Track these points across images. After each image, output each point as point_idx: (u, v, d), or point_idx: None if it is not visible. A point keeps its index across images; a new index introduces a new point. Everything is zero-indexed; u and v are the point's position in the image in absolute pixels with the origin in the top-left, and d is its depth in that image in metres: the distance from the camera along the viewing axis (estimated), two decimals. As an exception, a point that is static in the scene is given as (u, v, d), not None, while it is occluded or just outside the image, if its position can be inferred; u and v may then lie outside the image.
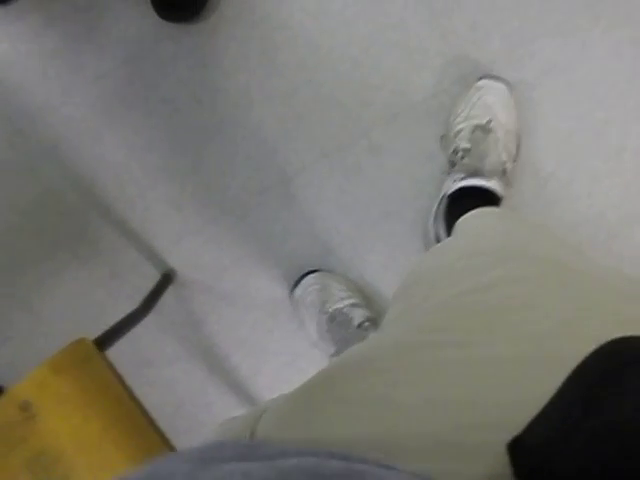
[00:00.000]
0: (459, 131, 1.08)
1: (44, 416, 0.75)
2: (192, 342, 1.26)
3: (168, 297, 1.22)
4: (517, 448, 0.29)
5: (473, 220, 0.83)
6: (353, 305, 1.13)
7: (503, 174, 1.06)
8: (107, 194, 1.22)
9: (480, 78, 1.11)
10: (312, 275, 1.18)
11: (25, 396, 0.75)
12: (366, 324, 1.10)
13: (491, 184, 1.02)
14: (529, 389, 0.34)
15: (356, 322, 1.10)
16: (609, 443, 0.25)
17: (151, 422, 0.80)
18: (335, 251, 1.21)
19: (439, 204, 1.11)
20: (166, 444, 0.80)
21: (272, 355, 1.26)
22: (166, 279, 1.19)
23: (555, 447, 0.27)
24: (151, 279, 1.21)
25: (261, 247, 1.22)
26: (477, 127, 1.06)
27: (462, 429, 0.34)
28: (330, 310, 1.13)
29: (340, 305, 1.13)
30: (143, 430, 0.80)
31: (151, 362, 1.27)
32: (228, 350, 1.27)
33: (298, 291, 1.18)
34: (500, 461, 0.31)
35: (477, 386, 0.36)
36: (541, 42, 1.14)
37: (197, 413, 1.29)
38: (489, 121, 1.07)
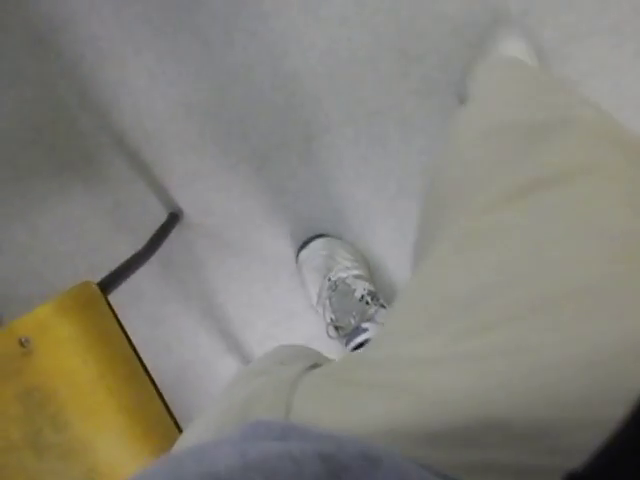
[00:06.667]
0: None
1: (42, 354, 0.75)
2: (190, 285, 1.26)
3: (172, 237, 1.20)
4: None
5: (485, 75, 0.70)
6: (357, 277, 1.12)
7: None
8: (123, 121, 1.18)
9: (526, 67, 1.07)
10: (321, 240, 1.16)
11: (25, 332, 0.74)
12: (367, 298, 1.10)
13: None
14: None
15: (358, 294, 1.10)
16: None
17: (147, 372, 0.81)
18: (347, 219, 1.19)
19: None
20: (160, 396, 0.80)
21: (267, 310, 1.26)
22: (173, 219, 1.17)
23: None
24: (156, 215, 1.19)
25: (273, 202, 1.20)
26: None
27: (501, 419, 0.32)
28: (334, 278, 1.12)
29: (344, 274, 1.12)
30: (139, 379, 0.80)
31: (146, 297, 1.27)
32: (224, 298, 1.27)
33: (305, 253, 1.17)
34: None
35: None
36: (594, 40, 1.09)
37: (185, 352, 1.30)
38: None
